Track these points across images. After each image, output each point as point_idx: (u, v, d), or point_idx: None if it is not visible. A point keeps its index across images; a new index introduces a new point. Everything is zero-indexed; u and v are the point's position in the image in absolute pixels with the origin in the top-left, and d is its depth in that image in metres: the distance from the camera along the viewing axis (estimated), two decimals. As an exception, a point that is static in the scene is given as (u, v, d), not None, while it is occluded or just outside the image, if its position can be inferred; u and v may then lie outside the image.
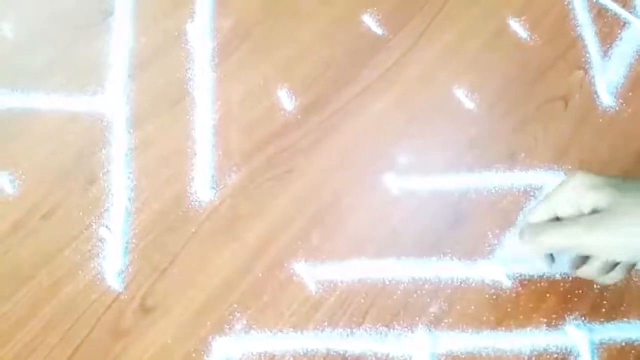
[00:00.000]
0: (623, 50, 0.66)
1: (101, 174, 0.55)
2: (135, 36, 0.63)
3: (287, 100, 0.61)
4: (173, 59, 0.62)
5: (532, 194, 0.57)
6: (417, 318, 0.52)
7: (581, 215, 0.44)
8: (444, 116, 0.62)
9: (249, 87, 0.61)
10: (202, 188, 0.55)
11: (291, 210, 0.55)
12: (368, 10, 0.67)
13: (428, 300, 0.52)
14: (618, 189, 0.42)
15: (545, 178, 0.58)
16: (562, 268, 0.52)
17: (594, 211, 0.43)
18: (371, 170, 0.58)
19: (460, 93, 0.63)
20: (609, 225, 0.42)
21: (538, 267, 0.53)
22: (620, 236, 0.41)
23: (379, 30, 0.66)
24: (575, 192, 0.44)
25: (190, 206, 0.55)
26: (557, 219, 0.47)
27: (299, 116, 0.60)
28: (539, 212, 0.47)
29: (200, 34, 0.64)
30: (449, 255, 0.54)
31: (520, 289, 0.53)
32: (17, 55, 0.61)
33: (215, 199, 0.55)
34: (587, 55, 0.65)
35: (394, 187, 0.57)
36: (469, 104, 0.63)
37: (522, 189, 0.58)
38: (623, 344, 0.51)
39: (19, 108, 0.58)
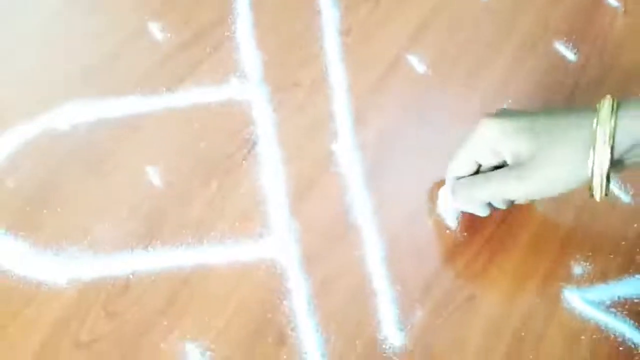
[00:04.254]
0: None
1: (289, 331, 0.51)
2: (284, 165, 0.59)
3: (450, 219, 0.58)
4: (327, 186, 0.58)
5: None
6: None
7: (502, 161, 0.47)
8: (604, 216, 0.59)
9: (409, 207, 0.58)
10: (392, 331, 0.52)
11: (484, 344, 0.52)
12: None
13: None
14: (535, 134, 0.43)
15: None
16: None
17: (515, 156, 0.45)
18: (551, 286, 0.55)
19: (613, 186, 0.60)
20: (534, 175, 0.44)
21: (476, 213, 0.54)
22: (544, 183, 0.45)
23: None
24: (492, 142, 0.46)
25: (384, 355, 0.52)
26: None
27: (464, 234, 0.57)
28: (462, 167, 0.49)
29: (347, 154, 0.59)
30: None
31: None
32: (169, 206, 0.56)
33: (407, 342, 0.52)
34: None
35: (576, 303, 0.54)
36: (625, 197, 0.60)
37: None
38: None
39: (188, 266, 0.54)
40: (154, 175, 0.57)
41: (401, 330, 0.53)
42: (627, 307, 0.55)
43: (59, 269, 0.53)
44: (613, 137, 0.41)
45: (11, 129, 0.59)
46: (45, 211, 0.55)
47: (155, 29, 0.65)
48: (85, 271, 0.53)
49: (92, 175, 0.57)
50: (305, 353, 0.52)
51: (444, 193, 0.56)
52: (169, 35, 0.65)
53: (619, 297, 0.56)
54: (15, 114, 0.59)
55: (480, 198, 0.50)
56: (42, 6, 0.68)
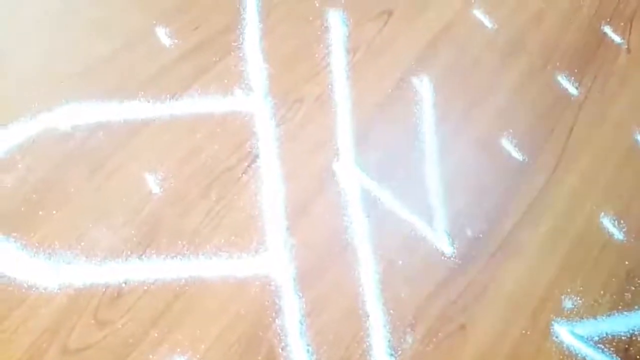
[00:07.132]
0: None
1: (280, 350, 0.50)
2: (284, 181, 0.57)
3: (445, 245, 0.57)
4: (326, 204, 0.57)
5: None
6: None
7: None
8: (597, 252, 0.58)
9: (406, 231, 0.57)
10: (382, 356, 0.51)
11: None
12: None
13: None
14: None
15: None
16: None
17: None
18: (541, 319, 0.54)
19: (607, 222, 0.60)
20: None
21: None
22: None
23: (519, 156, 0.62)
24: None
25: (373, 380, 0.50)
26: None
27: (459, 261, 0.56)
28: None
29: (348, 173, 0.58)
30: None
31: None
32: (166, 215, 0.54)
33: (397, 368, 0.51)
34: None
35: (565, 337, 0.53)
36: (618, 234, 0.59)
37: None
38: None
39: (182, 278, 0.52)
40: (152, 183, 0.55)
41: (391, 355, 0.52)
42: (614, 344, 0.55)
43: (50, 273, 0.51)
44: None
45: (11, 125, 0.56)
46: (40, 212, 0.53)
47: (163, 34, 0.63)
48: (78, 277, 0.51)
49: (90, 179, 0.55)
50: (296, 374, 0.50)
51: None
52: (176, 41, 0.63)
53: (607, 334, 0.55)
54: (16, 110, 0.57)
55: None
56: (48, 4, 0.65)
